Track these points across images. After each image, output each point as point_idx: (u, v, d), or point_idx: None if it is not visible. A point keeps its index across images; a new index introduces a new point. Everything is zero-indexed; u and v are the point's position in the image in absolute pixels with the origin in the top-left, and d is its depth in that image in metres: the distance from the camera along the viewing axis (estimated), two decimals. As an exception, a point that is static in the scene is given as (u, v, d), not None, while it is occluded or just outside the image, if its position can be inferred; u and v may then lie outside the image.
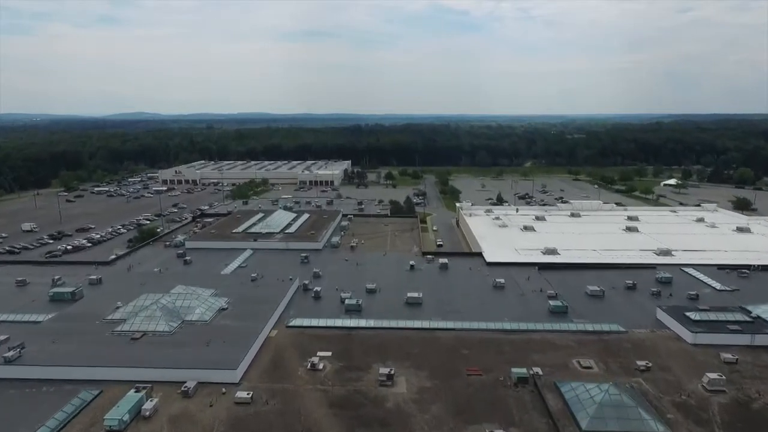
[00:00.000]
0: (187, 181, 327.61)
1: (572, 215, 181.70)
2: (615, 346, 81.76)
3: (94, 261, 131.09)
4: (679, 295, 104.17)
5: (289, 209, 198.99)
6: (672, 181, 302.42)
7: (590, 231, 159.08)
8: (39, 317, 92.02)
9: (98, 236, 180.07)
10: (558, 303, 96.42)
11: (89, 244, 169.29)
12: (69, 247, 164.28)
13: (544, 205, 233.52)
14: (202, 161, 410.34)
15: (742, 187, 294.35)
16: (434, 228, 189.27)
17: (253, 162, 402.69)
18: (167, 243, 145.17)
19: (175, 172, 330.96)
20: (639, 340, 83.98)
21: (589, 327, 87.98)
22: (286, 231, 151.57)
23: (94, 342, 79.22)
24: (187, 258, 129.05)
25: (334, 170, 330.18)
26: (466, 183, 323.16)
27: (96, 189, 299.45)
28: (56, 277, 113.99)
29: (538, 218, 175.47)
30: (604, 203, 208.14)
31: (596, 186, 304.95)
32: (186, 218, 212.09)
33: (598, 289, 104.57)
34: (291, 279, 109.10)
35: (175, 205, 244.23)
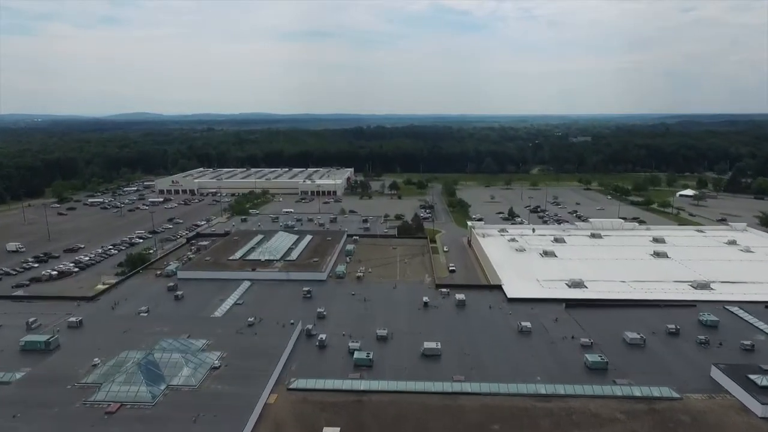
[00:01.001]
0: (184, 191, 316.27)
1: (593, 236, 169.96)
2: (671, 420, 70.03)
3: (75, 296, 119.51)
4: (731, 344, 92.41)
5: (291, 229, 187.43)
6: (689, 192, 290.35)
7: (615, 256, 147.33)
8: (7, 375, 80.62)
9: (87, 259, 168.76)
10: (596, 358, 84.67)
11: (76, 269, 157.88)
12: (54, 273, 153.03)
13: (558, 220, 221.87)
14: (201, 169, 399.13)
15: (761, 198, 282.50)
16: (445, 249, 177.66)
17: (253, 170, 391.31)
18: (158, 272, 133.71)
19: (172, 182, 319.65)
20: (697, 410, 72.24)
21: (637, 391, 76.28)
22: (287, 258, 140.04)
23: (62, 417, 67.66)
24: (178, 293, 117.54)
25: (336, 180, 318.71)
26: (474, 193, 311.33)
27: (89, 200, 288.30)
28: (31, 320, 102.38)
29: (557, 240, 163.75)
30: (625, 221, 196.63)
31: (609, 197, 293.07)
32: (181, 236, 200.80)
33: (638, 336, 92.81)
34: (292, 323, 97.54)
35: (170, 220, 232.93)
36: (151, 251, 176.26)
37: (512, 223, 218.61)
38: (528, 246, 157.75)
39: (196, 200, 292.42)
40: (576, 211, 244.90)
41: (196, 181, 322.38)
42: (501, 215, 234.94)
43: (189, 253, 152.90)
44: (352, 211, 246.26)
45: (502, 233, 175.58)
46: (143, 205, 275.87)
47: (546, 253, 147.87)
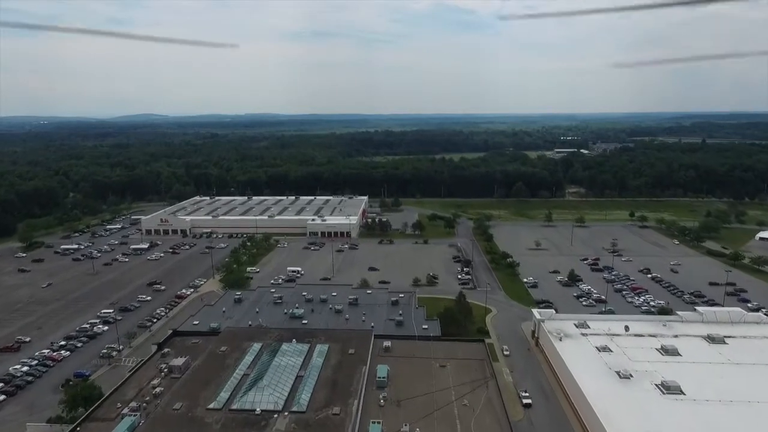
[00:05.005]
0: (174, 231, 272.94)
1: (711, 340, 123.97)
2: None
3: None
4: None
5: (299, 320, 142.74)
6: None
7: (766, 391, 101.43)
8: None
9: (25, 370, 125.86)
10: None
11: (2, 397, 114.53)
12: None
13: (636, 290, 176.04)
14: (197, 197, 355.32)
15: None
16: (505, 350, 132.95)
17: (255, 199, 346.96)
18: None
19: (161, 220, 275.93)
20: None
21: None
22: (294, 407, 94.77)
23: None
24: (119, 507, 73.05)
25: (350, 217, 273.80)
26: (512, 233, 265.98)
27: (62, 247, 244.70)
28: None
29: (666, 351, 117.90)
30: (746, 305, 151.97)
31: (676, 241, 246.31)
32: (157, 317, 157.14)
33: None
34: None
35: (150, 285, 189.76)
36: (114, 353, 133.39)
37: (578, 294, 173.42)
38: (631, 364, 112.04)
39: (187, 246, 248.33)
40: (648, 270, 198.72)
41: (188, 219, 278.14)
42: (559, 278, 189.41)
43: (155, 381, 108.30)
44: (372, 268, 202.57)
45: (583, 331, 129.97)
46: (123, 254, 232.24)
47: (667, 388, 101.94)
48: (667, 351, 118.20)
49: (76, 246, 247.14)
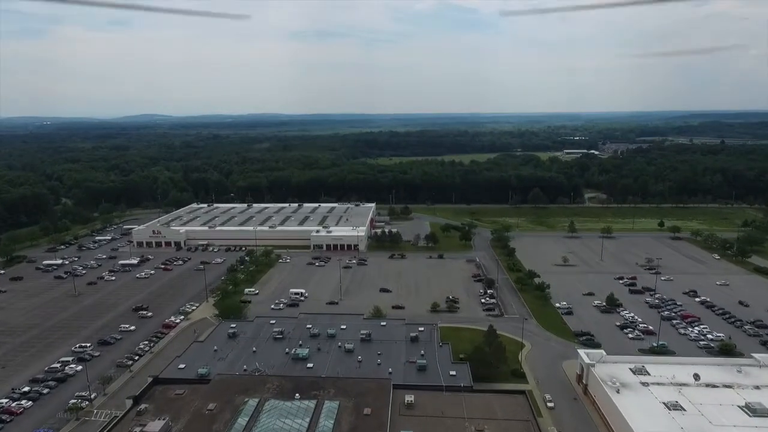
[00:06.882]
0: (168, 243, 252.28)
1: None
2: None
3: None
4: None
5: (303, 362, 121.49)
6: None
7: None
8: None
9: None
10: None
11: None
12: None
13: (687, 318, 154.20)
14: (193, 205, 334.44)
15: None
16: (548, 401, 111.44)
17: (255, 207, 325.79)
18: None
19: (153, 232, 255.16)
20: None
21: None
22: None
23: None
24: None
25: (358, 229, 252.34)
26: (534, 246, 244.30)
27: (45, 262, 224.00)
28: None
29: (753, 410, 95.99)
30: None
31: (717, 256, 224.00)
32: (140, 352, 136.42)
33: None
34: None
35: (135, 310, 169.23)
36: (84, 403, 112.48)
37: (621, 324, 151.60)
38: (714, 430, 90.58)
39: (180, 261, 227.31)
40: (695, 292, 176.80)
41: (182, 230, 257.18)
42: (596, 303, 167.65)
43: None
44: (384, 290, 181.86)
45: (643, 379, 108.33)
46: (110, 272, 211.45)
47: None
48: (754, 411, 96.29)
49: (60, 261, 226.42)
